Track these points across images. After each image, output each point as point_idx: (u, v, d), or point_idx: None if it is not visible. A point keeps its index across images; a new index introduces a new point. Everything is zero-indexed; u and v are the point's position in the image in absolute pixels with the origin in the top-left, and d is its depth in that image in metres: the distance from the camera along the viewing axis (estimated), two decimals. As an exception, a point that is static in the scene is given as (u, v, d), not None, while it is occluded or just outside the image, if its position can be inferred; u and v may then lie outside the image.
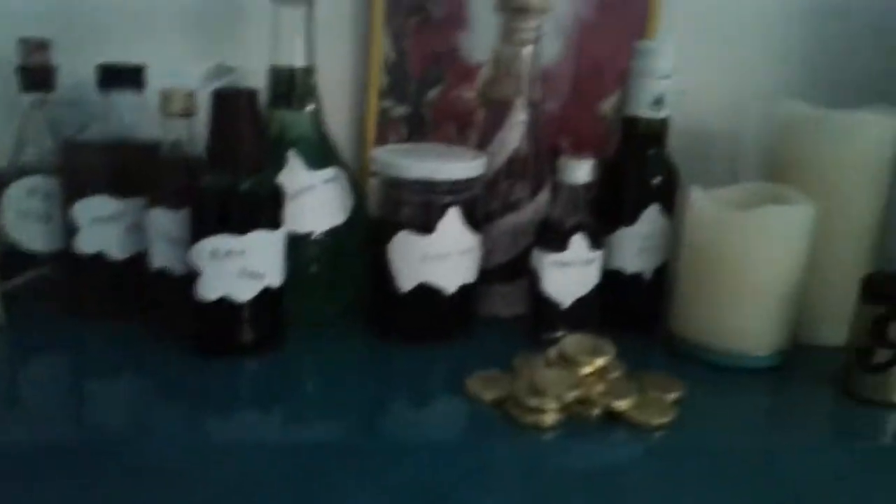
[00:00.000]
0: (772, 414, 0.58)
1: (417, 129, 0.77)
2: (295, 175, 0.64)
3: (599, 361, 0.56)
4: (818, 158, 0.63)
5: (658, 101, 0.64)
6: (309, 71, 0.65)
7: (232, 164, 0.59)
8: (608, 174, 0.67)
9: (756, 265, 0.60)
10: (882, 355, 0.55)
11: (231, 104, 0.58)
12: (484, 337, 0.66)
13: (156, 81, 0.64)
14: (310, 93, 0.66)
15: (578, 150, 0.77)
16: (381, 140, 0.76)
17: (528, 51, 0.67)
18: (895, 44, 0.78)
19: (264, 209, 0.60)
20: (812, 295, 0.63)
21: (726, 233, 0.60)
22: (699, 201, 0.62)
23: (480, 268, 0.66)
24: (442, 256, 0.62)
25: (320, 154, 0.66)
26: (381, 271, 0.63)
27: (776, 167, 0.67)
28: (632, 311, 0.68)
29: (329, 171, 0.66)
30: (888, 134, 0.63)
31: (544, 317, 0.65)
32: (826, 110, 0.64)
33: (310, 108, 0.66)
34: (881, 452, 0.54)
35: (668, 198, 0.66)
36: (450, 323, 0.66)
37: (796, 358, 0.63)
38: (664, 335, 0.66)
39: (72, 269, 0.67)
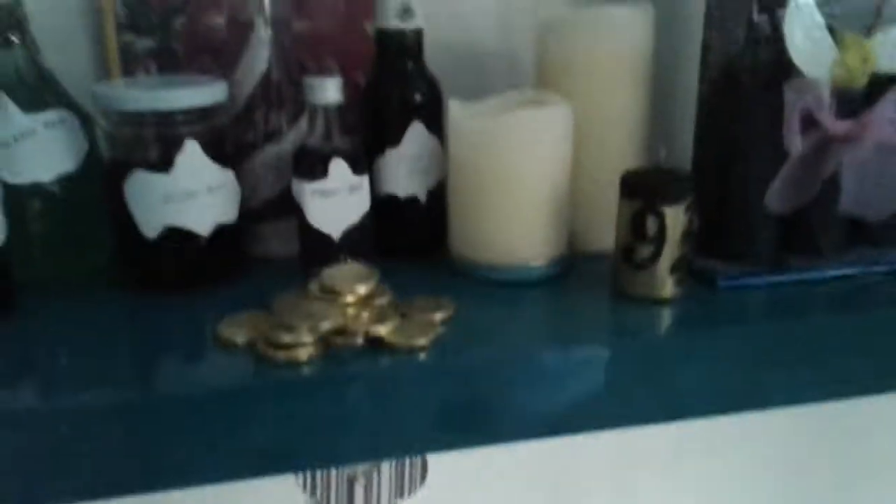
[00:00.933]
0: (543, 323, 0.57)
1: (169, 65, 0.69)
2: (7, 119, 0.56)
3: (362, 289, 0.53)
4: (576, 58, 0.61)
5: (406, 10, 0.60)
6: (15, 2, 0.57)
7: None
8: (368, 93, 0.62)
9: (518, 173, 0.57)
10: (643, 251, 0.55)
11: None
12: (254, 280, 0.61)
13: None
14: (17, 26, 0.57)
15: (347, 72, 0.72)
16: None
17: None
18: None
19: (-40, 158, 0.52)
20: (582, 200, 0.61)
21: (486, 143, 0.57)
22: (457, 113, 0.59)
23: (247, 206, 0.61)
24: (187, 195, 0.56)
25: (37, 94, 0.58)
26: (121, 218, 0.57)
27: (540, 73, 0.65)
28: (410, 236, 0.65)
29: (51, 114, 0.58)
30: (642, 29, 0.62)
31: (315, 251, 0.60)
32: (582, 9, 0.62)
33: (17, 42, 0.57)
34: (650, 348, 0.53)
35: (433, 115, 0.63)
36: (210, 268, 0.60)
37: (574, 266, 0.62)
38: (445, 259, 0.63)
39: None
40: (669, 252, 0.54)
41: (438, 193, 0.65)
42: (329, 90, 0.57)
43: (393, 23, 0.60)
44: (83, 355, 0.51)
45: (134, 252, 0.58)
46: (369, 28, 0.73)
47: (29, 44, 0.58)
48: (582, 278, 0.61)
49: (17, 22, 0.58)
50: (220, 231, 0.59)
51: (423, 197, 0.64)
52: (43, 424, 0.46)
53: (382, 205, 0.62)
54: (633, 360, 0.53)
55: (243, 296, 0.59)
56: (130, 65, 0.69)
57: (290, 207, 0.63)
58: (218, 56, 0.70)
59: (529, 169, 0.57)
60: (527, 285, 0.59)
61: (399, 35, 0.61)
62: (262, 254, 0.64)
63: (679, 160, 0.68)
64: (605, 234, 0.63)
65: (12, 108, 0.56)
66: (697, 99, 0.67)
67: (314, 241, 0.60)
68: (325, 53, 0.71)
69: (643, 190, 0.54)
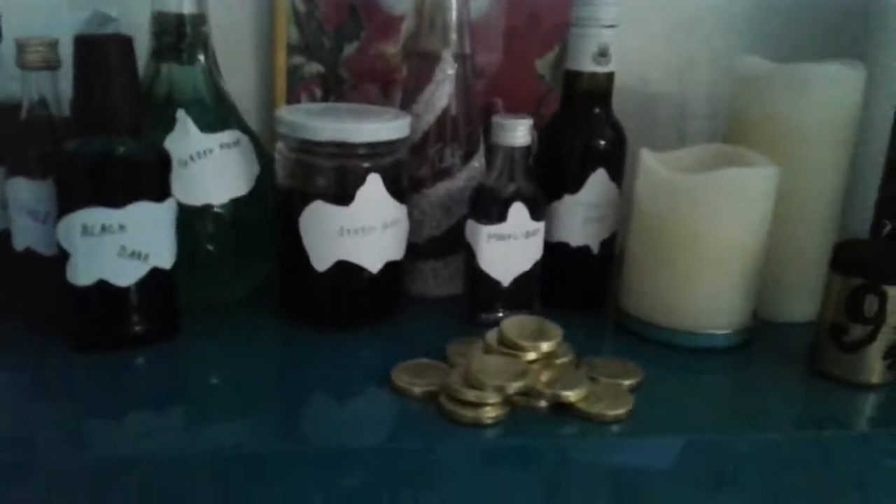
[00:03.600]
0: (736, 400, 0.52)
1: (334, 90, 0.68)
2: (186, 138, 0.55)
3: (545, 346, 0.49)
4: (780, 115, 0.57)
5: (603, 53, 0.57)
6: (200, 18, 0.56)
7: (104, 124, 0.49)
8: (548, 136, 0.59)
9: (715, 234, 0.53)
10: (856, 332, 0.50)
11: (99, 52, 0.48)
12: (414, 321, 0.58)
13: (18, 33, 0.53)
14: (201, 44, 0.56)
15: (513, 111, 0.70)
16: (293, 101, 0.67)
17: (455, -3, 0.58)
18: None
19: (146, 177, 0.50)
20: (774, 265, 0.57)
21: (681, 199, 0.53)
22: (651, 165, 0.55)
23: (409, 242, 0.58)
24: (363, 230, 0.54)
25: (216, 115, 0.57)
26: (292, 248, 0.55)
27: (733, 127, 0.60)
28: (578, 288, 0.61)
29: (227, 135, 0.57)
30: (854, 87, 0.57)
31: (482, 296, 0.57)
32: (787, 64, 0.58)
33: (202, 61, 0.56)
34: (858, 437, 0.48)
35: (616, 162, 0.59)
36: (374, 306, 0.57)
37: (759, 336, 0.57)
38: (614, 314, 0.60)
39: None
40: (886, 335, 0.49)
41: (610, 244, 0.61)
42: (519, 132, 0.55)
43: (587, 65, 0.57)
44: (239, 389, 0.49)
45: (301, 283, 0.56)
46: (540, 67, 0.70)
47: (210, 63, 0.57)
48: (771, 350, 0.56)
49: (202, 40, 0.57)
50: (388, 268, 0.56)
51: (595, 247, 0.60)
52: (184, 462, 0.43)
53: (552, 252, 0.59)
54: (836, 451, 0.48)
55: (405, 337, 0.56)
56: (295, 87, 0.68)
57: (453, 247, 0.60)
58: (386, 85, 0.69)
59: (727, 231, 0.53)
60: (709, 353, 0.55)
61: (591, 78, 0.58)
62: (418, 292, 0.62)
63: (859, 227, 0.64)
64: (795, 305, 0.58)
65: (192, 127, 0.55)
66: (885, 163, 0.62)
67: (483, 286, 0.57)
68: (492, 91, 0.69)
69: (863, 266, 0.49)
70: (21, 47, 0.51)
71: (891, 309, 0.49)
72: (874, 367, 0.50)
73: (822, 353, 0.52)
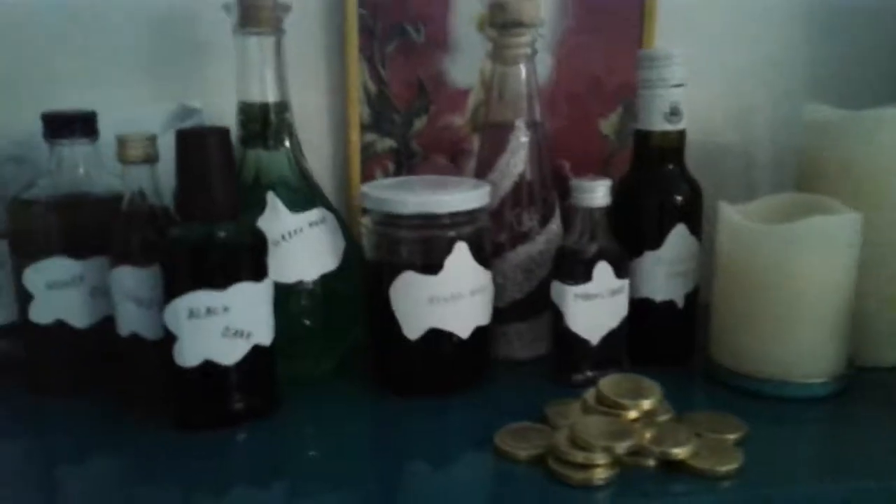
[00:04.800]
0: (844, 449, 0.51)
1: (405, 163, 0.70)
2: (276, 219, 0.57)
3: (646, 404, 0.49)
4: (853, 161, 0.57)
5: (674, 112, 0.58)
6: (283, 106, 0.59)
7: (205, 210, 0.52)
8: (624, 195, 0.60)
9: (803, 283, 0.53)
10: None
11: (199, 144, 0.51)
12: (504, 384, 0.59)
13: (111, 129, 0.56)
14: (285, 130, 0.59)
15: (580, 171, 0.71)
16: (368, 177, 0.69)
17: (523, 68, 0.61)
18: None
19: (245, 259, 0.52)
20: (862, 311, 0.56)
21: (766, 249, 0.54)
22: (731, 217, 0.56)
23: (493, 307, 0.59)
24: (452, 297, 0.55)
25: (302, 195, 0.59)
26: (383, 318, 0.56)
27: (804, 175, 0.61)
28: (665, 343, 0.62)
29: (314, 213, 0.59)
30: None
31: (571, 357, 0.58)
32: (859, 111, 0.58)
33: (287, 145, 0.59)
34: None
35: (694, 216, 0.60)
36: (465, 371, 0.58)
37: (855, 382, 0.56)
38: (704, 367, 0.60)
39: (29, 341, 0.59)
40: None
41: (693, 298, 0.61)
42: (598, 192, 0.56)
43: (658, 125, 0.59)
44: (338, 462, 0.50)
45: (393, 352, 0.57)
46: (604, 127, 0.72)
47: (294, 146, 0.60)
48: (869, 396, 0.55)
49: (286, 125, 0.59)
50: (477, 333, 0.57)
51: (680, 301, 0.60)
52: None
53: (636, 309, 0.59)
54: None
55: (499, 401, 0.56)
56: (369, 163, 0.70)
57: (536, 309, 0.61)
58: (454, 156, 0.71)
59: (814, 279, 0.53)
60: (806, 402, 0.55)
61: (663, 137, 0.59)
62: (503, 355, 0.62)
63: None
64: (886, 351, 0.58)
65: (282, 208, 0.58)
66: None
67: (571, 346, 0.57)
68: (558, 154, 0.71)
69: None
70: (122, 143, 0.54)
71: None
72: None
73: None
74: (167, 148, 0.53)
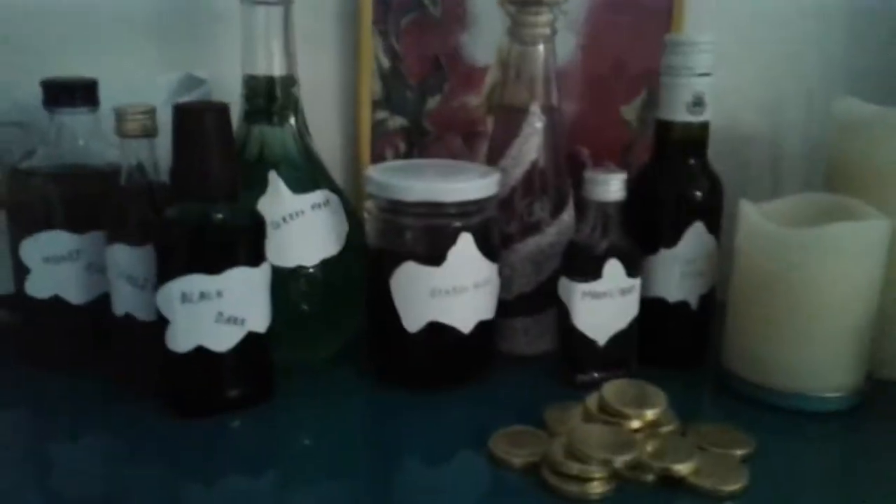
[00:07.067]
0: (857, 470, 0.49)
1: (417, 142, 0.68)
2: (278, 200, 0.55)
3: (650, 414, 0.47)
4: (884, 161, 0.54)
5: (698, 103, 0.55)
6: (290, 80, 0.56)
7: (202, 190, 0.50)
8: (641, 188, 0.57)
9: (826, 291, 0.50)
10: None
11: (197, 121, 0.49)
12: (505, 381, 0.57)
13: (113, 98, 0.55)
14: (292, 105, 0.57)
15: (598, 160, 0.69)
16: (377, 156, 0.67)
17: (541, 49, 0.58)
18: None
19: (243, 242, 0.51)
20: (885, 321, 0.53)
21: (790, 255, 0.51)
22: (754, 218, 0.53)
23: (499, 299, 0.57)
24: (455, 290, 0.53)
25: (307, 175, 0.57)
26: (383, 309, 0.54)
27: (833, 174, 0.58)
28: (676, 345, 0.59)
29: (318, 195, 0.57)
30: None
31: (577, 356, 0.56)
32: (891, 108, 0.55)
33: (292, 122, 0.57)
34: None
35: (713, 214, 0.57)
36: (466, 366, 0.56)
37: (872, 398, 0.54)
38: (714, 373, 0.57)
39: (25, 315, 0.58)
40: None
41: (708, 300, 0.59)
42: (613, 186, 0.53)
43: (680, 115, 0.56)
44: (331, 453, 0.49)
45: (391, 344, 0.55)
46: (626, 113, 0.69)
47: (300, 123, 0.58)
48: (887, 412, 0.53)
49: (293, 101, 0.57)
50: (480, 327, 0.55)
51: (694, 303, 0.58)
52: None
53: (648, 309, 0.57)
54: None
55: (499, 398, 0.55)
56: (379, 141, 0.68)
57: (544, 304, 0.59)
58: (468, 137, 0.68)
59: (838, 288, 0.50)
60: (821, 416, 0.52)
61: (684, 128, 0.56)
62: (508, 350, 0.60)
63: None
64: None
65: (283, 189, 0.56)
66: None
67: (577, 346, 0.55)
68: (575, 141, 0.68)
69: None
70: (120, 116, 0.52)
71: None
72: None
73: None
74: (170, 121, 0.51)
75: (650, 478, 0.45)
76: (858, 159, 0.55)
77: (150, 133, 0.52)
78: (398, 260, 0.53)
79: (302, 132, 0.58)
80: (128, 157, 0.53)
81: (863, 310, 0.51)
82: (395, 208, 0.54)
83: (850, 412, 0.52)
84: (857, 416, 0.52)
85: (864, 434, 0.51)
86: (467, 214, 0.53)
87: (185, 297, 0.49)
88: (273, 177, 0.56)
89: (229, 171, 0.50)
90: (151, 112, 0.52)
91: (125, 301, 0.53)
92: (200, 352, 0.50)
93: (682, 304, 0.58)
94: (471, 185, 0.53)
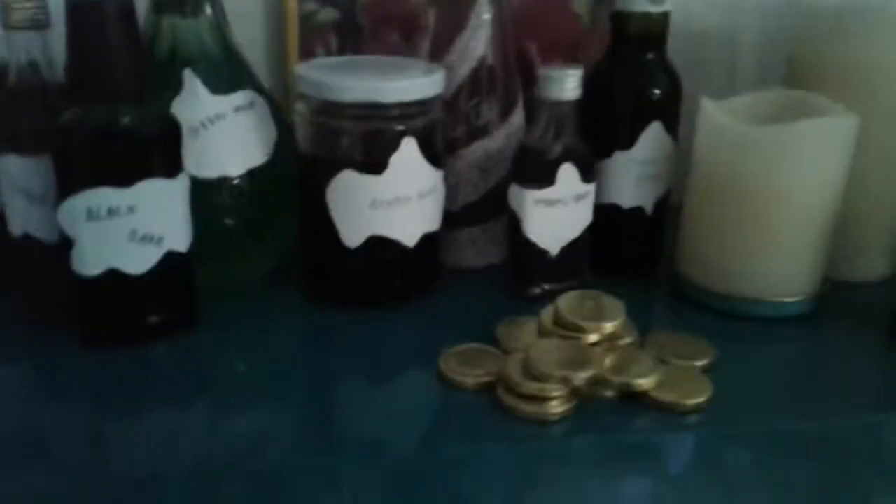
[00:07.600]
0: (818, 375, 0.47)
1: (351, 38, 0.62)
2: (195, 102, 0.49)
3: (608, 327, 0.44)
4: (852, 58, 0.51)
5: (658, -10, 0.51)
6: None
7: (103, 91, 0.43)
8: (595, 86, 0.53)
9: (789, 192, 0.48)
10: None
11: (94, 12, 0.42)
12: (453, 297, 0.53)
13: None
14: (209, -8, 0.50)
15: (547, 57, 0.64)
16: (306, 54, 0.61)
17: (487, -70, 0.52)
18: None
19: (155, 150, 0.45)
20: (846, 222, 0.51)
21: (751, 154, 0.48)
22: (714, 116, 0.49)
23: (445, 210, 0.53)
24: (398, 201, 0.49)
25: (227, 73, 0.51)
26: (318, 223, 0.49)
27: (796, 69, 0.55)
28: (630, 252, 0.57)
29: (241, 95, 0.51)
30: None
31: (528, 268, 0.52)
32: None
33: (208, 13, 0.50)
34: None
35: (671, 113, 0.53)
36: (410, 282, 0.52)
37: (830, 299, 0.52)
38: (669, 281, 0.55)
39: None
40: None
41: (664, 205, 0.56)
42: (569, 84, 0.49)
43: (639, 5, 0.51)
44: (267, 381, 0.45)
45: (329, 260, 0.51)
46: (576, 6, 0.64)
47: (218, 13, 0.51)
48: (846, 315, 0.51)
49: (212, -12, 0.50)
50: (424, 240, 0.51)
51: (649, 208, 0.55)
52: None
53: (601, 216, 0.54)
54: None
55: (447, 315, 0.52)
56: (309, 37, 0.61)
57: (491, 212, 0.55)
58: (408, 33, 0.62)
59: (803, 189, 0.48)
60: (779, 322, 0.50)
61: (644, 19, 0.52)
62: (454, 263, 0.57)
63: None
64: (870, 264, 0.54)
65: (200, 89, 0.49)
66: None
67: (529, 257, 0.52)
68: (524, 35, 0.62)
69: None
70: (5, 5, 0.45)
71: None
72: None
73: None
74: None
75: (610, 394, 0.42)
76: (822, 54, 0.52)
77: (41, 24, 0.45)
78: (334, 168, 0.48)
79: (220, 24, 0.51)
80: (16, 52, 0.46)
81: (825, 212, 0.49)
82: (330, 110, 0.48)
83: (811, 316, 0.51)
84: (816, 319, 0.51)
85: (823, 336, 0.50)
86: (411, 116, 0.48)
87: (91, 214, 0.43)
88: (188, 75, 0.49)
89: (136, 67, 0.44)
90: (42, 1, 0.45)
91: (23, 219, 0.47)
92: (113, 275, 0.45)
93: (637, 210, 0.55)
94: (414, 83, 0.48)
